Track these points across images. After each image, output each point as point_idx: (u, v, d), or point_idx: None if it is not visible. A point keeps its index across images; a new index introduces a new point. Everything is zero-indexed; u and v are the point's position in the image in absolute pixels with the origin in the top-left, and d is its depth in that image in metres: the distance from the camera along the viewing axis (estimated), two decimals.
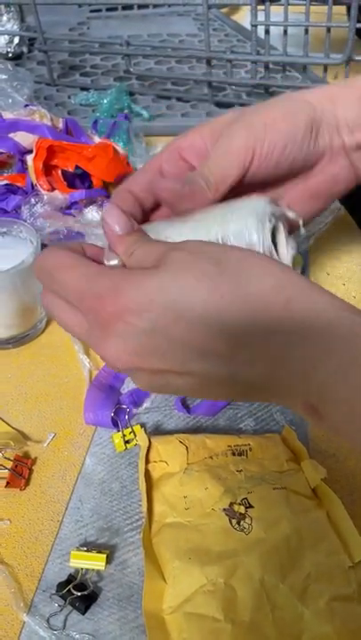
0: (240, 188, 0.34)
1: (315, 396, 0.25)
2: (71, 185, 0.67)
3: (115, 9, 1.28)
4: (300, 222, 0.32)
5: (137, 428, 0.48)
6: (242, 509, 0.39)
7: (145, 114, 0.93)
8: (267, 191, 0.36)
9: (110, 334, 0.26)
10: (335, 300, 0.25)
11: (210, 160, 0.33)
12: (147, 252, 0.29)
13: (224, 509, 0.39)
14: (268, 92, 0.93)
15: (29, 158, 0.65)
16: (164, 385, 0.28)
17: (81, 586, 0.39)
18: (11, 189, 0.66)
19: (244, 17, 1.33)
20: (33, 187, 0.65)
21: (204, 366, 0.26)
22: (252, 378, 0.26)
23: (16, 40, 1.10)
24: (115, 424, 0.49)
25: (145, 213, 0.36)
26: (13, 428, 0.49)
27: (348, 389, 0.24)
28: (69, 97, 0.99)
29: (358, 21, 0.81)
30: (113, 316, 0.26)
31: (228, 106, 0.97)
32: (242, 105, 0.97)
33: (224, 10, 1.37)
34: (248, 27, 0.89)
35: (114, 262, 0.31)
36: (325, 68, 0.91)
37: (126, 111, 0.89)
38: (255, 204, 0.31)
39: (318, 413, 0.25)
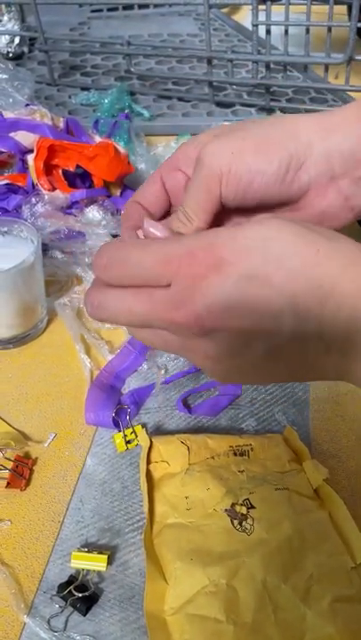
0: (231, 211, 0.33)
1: None
2: (72, 184, 0.67)
3: (115, 9, 1.29)
4: None
5: (138, 429, 0.48)
6: (244, 510, 0.39)
7: (146, 113, 0.92)
8: (259, 213, 0.34)
9: (204, 288, 0.25)
10: None
11: (186, 192, 0.32)
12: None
13: (226, 510, 0.39)
14: (268, 91, 0.93)
15: (30, 158, 0.65)
16: (242, 351, 0.26)
17: (82, 587, 0.38)
18: (11, 189, 0.65)
19: (244, 17, 1.33)
20: (34, 186, 0.65)
21: (295, 322, 0.25)
22: (331, 333, 0.25)
23: (17, 40, 1.10)
24: (116, 424, 0.49)
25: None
26: (14, 428, 0.49)
27: None
28: (70, 97, 0.99)
29: (359, 21, 0.80)
30: (208, 268, 0.25)
31: (228, 105, 0.97)
32: (242, 105, 0.97)
33: (225, 10, 1.37)
34: (249, 27, 0.89)
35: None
36: (326, 67, 0.91)
37: (127, 111, 0.89)
38: None
39: None
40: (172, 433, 0.48)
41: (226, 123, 0.83)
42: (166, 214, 0.36)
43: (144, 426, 0.49)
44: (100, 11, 1.30)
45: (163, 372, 0.53)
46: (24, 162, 0.67)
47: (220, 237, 0.26)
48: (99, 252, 0.28)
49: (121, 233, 0.35)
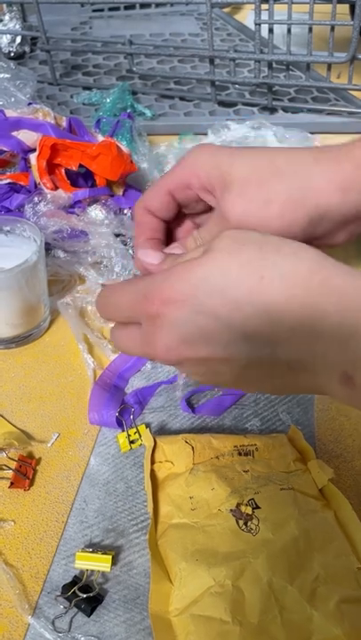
0: None
1: (351, 365, 0.25)
2: (74, 183, 0.67)
3: (117, 8, 1.29)
4: None
5: (142, 428, 0.47)
6: (249, 510, 0.39)
7: (148, 113, 0.92)
8: None
9: (159, 327, 0.28)
10: None
11: (207, 224, 0.35)
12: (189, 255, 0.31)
13: (231, 510, 0.39)
14: (271, 90, 0.93)
15: (33, 157, 0.65)
16: (210, 373, 0.29)
17: (86, 587, 0.38)
18: (14, 188, 0.65)
19: (246, 16, 1.33)
20: (36, 185, 0.65)
21: (247, 348, 0.27)
22: (290, 355, 0.26)
23: (18, 39, 1.10)
24: (119, 424, 0.48)
25: (168, 225, 0.37)
26: (17, 427, 0.49)
27: None
28: (72, 96, 0.99)
29: None
30: (160, 308, 0.27)
31: (231, 105, 0.97)
32: (245, 104, 0.97)
33: (227, 9, 1.37)
34: (251, 26, 0.89)
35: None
36: (329, 66, 0.91)
37: (129, 110, 0.89)
38: None
39: (353, 383, 0.25)
40: (176, 433, 0.48)
41: (228, 122, 0.83)
42: (176, 218, 0.37)
43: (148, 425, 0.48)
44: (102, 10, 1.30)
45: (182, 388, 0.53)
46: (26, 161, 0.66)
47: (171, 277, 0.28)
48: (97, 296, 0.33)
49: (137, 245, 0.36)
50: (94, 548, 0.41)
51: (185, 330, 0.27)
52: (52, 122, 0.68)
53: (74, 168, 0.66)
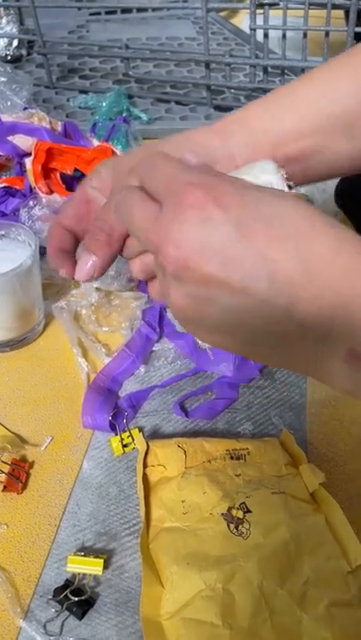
0: None
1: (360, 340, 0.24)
2: (70, 188, 0.67)
3: (114, 12, 1.29)
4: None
5: (135, 432, 0.48)
6: (240, 514, 0.39)
7: (144, 117, 0.93)
8: None
9: (187, 215, 0.25)
10: None
11: (104, 211, 0.34)
12: None
13: (222, 514, 0.39)
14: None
15: (28, 161, 0.65)
16: (205, 303, 0.25)
17: (78, 591, 0.38)
18: (9, 192, 0.66)
19: (242, 20, 1.33)
20: (31, 189, 0.65)
21: (266, 288, 0.24)
22: (308, 314, 0.24)
23: (15, 43, 1.10)
24: (112, 428, 0.49)
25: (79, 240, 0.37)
26: (10, 431, 0.49)
27: None
28: (68, 100, 0.99)
29: (357, 25, 0.81)
30: (198, 202, 0.25)
31: (226, 109, 0.97)
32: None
33: (223, 13, 1.38)
34: (247, 30, 0.89)
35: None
36: None
37: (125, 114, 0.90)
38: (266, 165, 0.33)
39: (359, 360, 0.24)
40: (168, 436, 0.48)
41: None
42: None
43: (141, 429, 0.49)
44: (99, 14, 1.30)
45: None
46: (22, 165, 0.67)
47: (235, 183, 0.26)
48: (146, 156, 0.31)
49: (47, 256, 0.36)
50: (86, 551, 0.41)
51: (212, 237, 0.24)
52: (48, 126, 0.68)
53: (69, 172, 0.66)
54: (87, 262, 0.33)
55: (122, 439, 0.47)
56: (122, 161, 0.35)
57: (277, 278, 0.24)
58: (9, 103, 0.79)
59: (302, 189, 0.75)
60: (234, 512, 0.39)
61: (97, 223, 0.33)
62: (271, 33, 0.88)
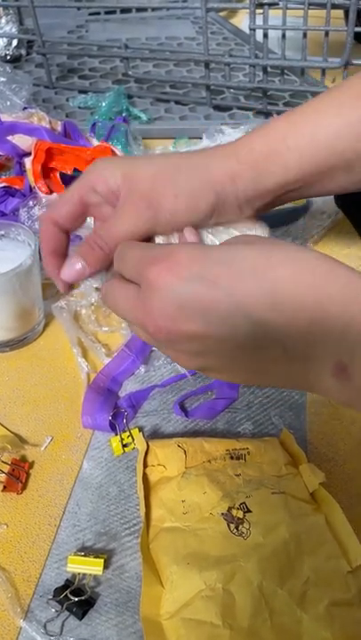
0: None
1: (347, 355, 0.25)
2: None
3: (113, 12, 1.29)
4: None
5: (135, 432, 0.48)
6: (240, 514, 0.39)
7: (143, 117, 0.93)
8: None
9: (158, 288, 0.27)
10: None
11: (107, 229, 0.35)
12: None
13: (222, 514, 0.39)
14: (266, 95, 0.93)
15: (28, 161, 0.65)
16: (201, 353, 0.28)
17: (78, 591, 0.38)
18: (9, 192, 0.66)
19: (242, 20, 1.33)
20: (31, 189, 0.65)
21: (246, 325, 0.26)
22: (289, 338, 0.26)
23: (14, 43, 1.10)
24: (112, 427, 0.49)
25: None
26: (10, 431, 0.49)
27: None
28: (68, 100, 0.99)
29: (356, 25, 0.81)
30: (163, 272, 0.27)
31: (226, 109, 0.97)
32: (240, 108, 0.97)
33: (223, 13, 1.38)
34: (247, 30, 0.89)
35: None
36: (323, 71, 0.91)
37: (125, 114, 0.90)
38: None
39: (347, 373, 0.25)
40: (168, 436, 0.48)
41: (223, 127, 0.84)
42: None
43: (141, 429, 0.49)
44: (98, 14, 1.30)
45: None
46: (21, 165, 0.67)
47: (186, 247, 0.29)
48: (119, 247, 0.33)
49: (43, 257, 0.37)
50: (86, 551, 0.41)
51: (184, 297, 0.27)
52: (47, 126, 0.68)
53: (69, 172, 0.66)
54: (76, 265, 0.35)
55: (122, 439, 0.47)
56: (136, 174, 0.35)
57: (251, 312, 0.26)
58: (8, 103, 0.79)
59: None
60: (234, 512, 0.39)
61: (95, 238, 0.34)
62: (271, 33, 0.88)
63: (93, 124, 0.80)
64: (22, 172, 0.67)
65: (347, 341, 0.25)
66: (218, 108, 0.98)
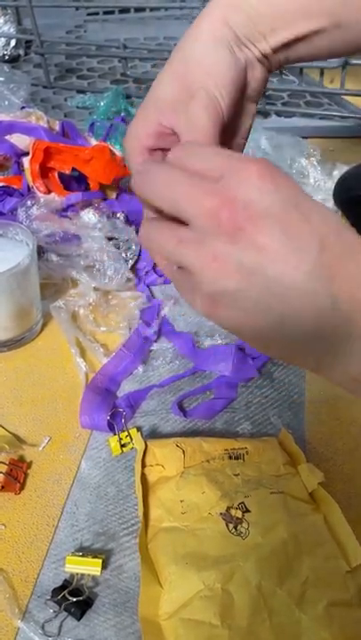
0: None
1: None
2: (68, 187, 0.67)
3: (112, 12, 1.29)
4: None
5: (133, 432, 0.48)
6: (239, 514, 0.39)
7: None
8: None
9: (249, 185, 0.24)
10: None
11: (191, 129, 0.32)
12: None
13: (221, 514, 0.39)
14: (264, 95, 0.93)
15: (26, 160, 0.65)
16: (252, 272, 0.24)
17: (76, 591, 0.38)
18: (7, 191, 0.65)
19: None
20: (29, 189, 0.65)
21: (316, 259, 0.24)
22: (348, 295, 0.24)
23: (13, 42, 1.10)
24: (111, 427, 0.48)
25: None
26: (8, 431, 0.49)
27: None
28: (66, 99, 0.99)
29: None
30: (260, 179, 0.24)
31: None
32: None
33: None
34: None
35: None
36: (322, 71, 0.91)
37: (123, 114, 0.89)
38: None
39: None
40: (167, 436, 0.48)
41: None
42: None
43: (139, 429, 0.49)
44: (97, 14, 1.30)
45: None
46: (20, 164, 0.67)
47: (280, 170, 0.26)
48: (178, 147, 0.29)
49: (132, 160, 0.34)
50: (85, 551, 0.41)
51: (273, 207, 0.24)
52: (46, 126, 0.68)
53: (67, 172, 0.66)
54: None
55: (120, 439, 0.47)
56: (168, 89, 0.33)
57: (324, 255, 0.24)
58: (6, 102, 0.79)
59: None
60: (233, 512, 0.39)
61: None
62: None
63: (92, 124, 0.80)
64: (20, 171, 0.66)
65: None
66: None
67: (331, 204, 0.73)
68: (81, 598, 0.38)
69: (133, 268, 0.64)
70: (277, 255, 0.24)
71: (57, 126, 0.70)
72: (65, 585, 0.39)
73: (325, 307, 0.24)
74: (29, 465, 0.46)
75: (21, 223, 0.59)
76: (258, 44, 0.34)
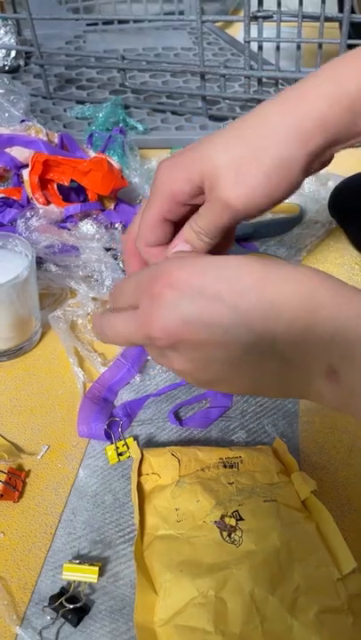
0: None
1: (337, 359, 0.27)
2: (67, 199, 0.68)
3: (111, 23, 1.30)
4: None
5: (130, 441, 0.48)
6: (233, 522, 0.40)
7: (140, 127, 0.94)
8: None
9: (158, 306, 0.28)
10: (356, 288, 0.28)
11: (200, 213, 0.34)
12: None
13: (215, 522, 0.40)
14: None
15: (25, 172, 0.66)
16: (203, 362, 0.29)
17: (73, 598, 0.39)
18: (7, 203, 0.66)
19: (238, 30, 1.35)
20: (29, 200, 0.66)
21: (247, 335, 0.27)
22: (286, 347, 0.27)
23: (13, 53, 1.11)
24: (108, 436, 0.49)
25: None
26: (7, 440, 0.50)
27: None
28: (65, 110, 1.00)
29: (350, 37, 0.82)
30: (164, 289, 0.28)
31: (222, 119, 0.99)
32: (235, 119, 0.98)
33: (219, 23, 1.39)
34: (242, 40, 0.90)
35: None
36: None
37: (121, 124, 0.91)
38: None
39: (337, 376, 0.27)
40: (163, 445, 0.49)
41: None
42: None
43: (136, 438, 0.49)
44: (96, 24, 1.31)
45: None
46: (19, 176, 0.68)
47: (183, 261, 0.29)
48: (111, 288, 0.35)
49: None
50: (82, 559, 0.41)
51: (187, 310, 0.28)
52: (45, 138, 0.69)
53: (66, 183, 0.67)
54: (185, 248, 0.35)
55: (117, 448, 0.48)
56: (215, 169, 0.32)
57: (253, 324, 0.27)
58: (7, 114, 0.80)
59: (296, 200, 0.77)
60: (227, 520, 0.40)
61: (196, 229, 0.35)
62: (266, 44, 0.89)
63: (90, 135, 0.81)
64: (20, 183, 0.67)
65: (335, 346, 0.26)
66: (214, 118, 0.99)
67: (326, 214, 0.74)
68: (78, 605, 0.38)
69: None
70: (216, 345, 0.28)
71: (56, 139, 0.71)
72: (62, 592, 0.39)
73: (274, 357, 0.28)
74: (28, 473, 0.47)
75: (21, 235, 0.60)
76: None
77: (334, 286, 0.27)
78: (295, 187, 0.33)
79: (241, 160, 0.32)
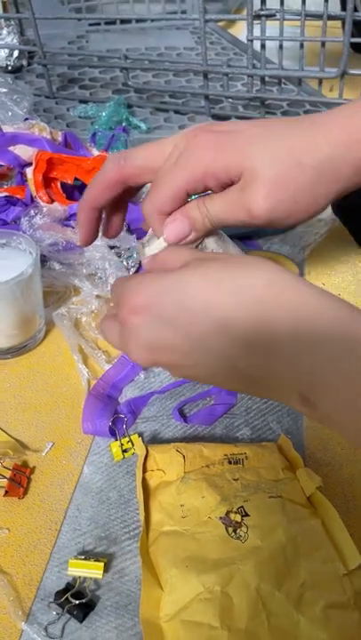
0: None
1: (306, 385, 0.26)
2: (70, 197, 0.68)
3: (113, 22, 1.30)
4: None
5: (134, 437, 0.48)
6: (238, 518, 0.40)
7: (143, 126, 0.94)
8: None
9: (128, 332, 0.29)
10: (322, 293, 0.27)
11: (216, 210, 0.34)
12: (177, 256, 0.32)
13: (221, 518, 0.40)
14: (264, 104, 0.95)
15: (29, 171, 0.66)
16: (184, 374, 0.30)
17: (79, 594, 0.39)
18: (11, 201, 0.67)
19: (241, 29, 1.35)
20: (32, 199, 0.66)
21: (208, 358, 0.28)
22: (250, 370, 0.27)
23: (16, 53, 1.11)
24: (112, 433, 0.49)
25: None
26: (12, 437, 0.50)
27: (336, 377, 0.25)
28: (68, 109, 1.01)
29: (353, 36, 0.82)
30: (127, 315, 0.29)
31: (224, 118, 0.99)
32: (238, 118, 0.98)
33: (221, 23, 1.39)
34: (245, 39, 0.90)
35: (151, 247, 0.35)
36: (320, 81, 0.92)
37: (124, 124, 0.91)
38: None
39: (311, 403, 0.26)
40: (168, 442, 0.49)
41: None
42: None
43: (140, 435, 0.49)
44: (98, 24, 1.31)
45: None
46: (23, 175, 0.68)
47: (140, 284, 0.30)
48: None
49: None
50: (87, 555, 0.41)
51: (149, 337, 0.29)
52: (48, 137, 0.69)
53: (69, 181, 0.67)
54: (184, 225, 0.34)
55: (122, 444, 0.48)
56: (256, 174, 0.32)
57: (212, 349, 0.27)
58: (10, 114, 0.80)
59: None
60: (232, 516, 0.40)
61: (203, 210, 0.34)
62: (268, 43, 0.89)
63: (94, 134, 0.81)
64: (24, 181, 0.68)
65: (302, 372, 0.26)
66: (217, 117, 0.99)
67: (329, 212, 0.74)
68: (83, 601, 0.38)
69: None
70: (186, 364, 0.29)
71: (59, 137, 0.71)
72: (68, 588, 0.39)
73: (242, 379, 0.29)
74: (33, 470, 0.47)
75: (25, 232, 0.60)
76: None
77: (290, 300, 0.26)
78: (317, 214, 0.34)
79: (281, 179, 0.31)
